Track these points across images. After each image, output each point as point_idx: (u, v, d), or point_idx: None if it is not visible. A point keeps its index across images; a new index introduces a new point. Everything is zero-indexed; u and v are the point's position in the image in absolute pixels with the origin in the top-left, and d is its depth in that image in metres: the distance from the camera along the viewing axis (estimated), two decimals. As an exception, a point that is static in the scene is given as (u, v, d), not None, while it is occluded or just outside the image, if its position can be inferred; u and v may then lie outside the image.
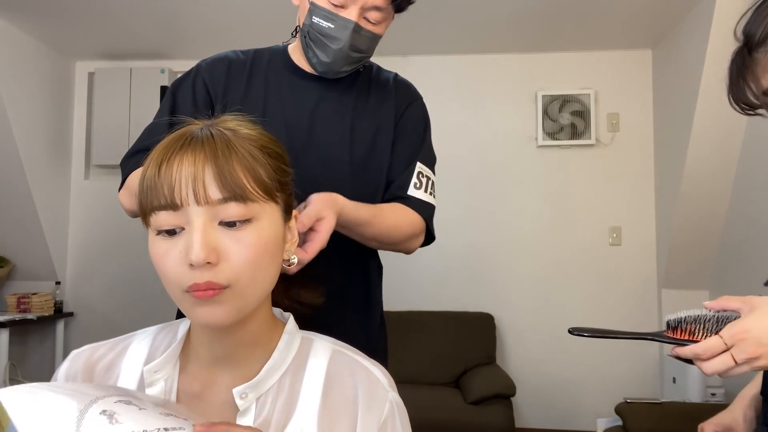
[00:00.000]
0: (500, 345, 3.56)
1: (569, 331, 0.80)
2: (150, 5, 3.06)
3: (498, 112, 3.70)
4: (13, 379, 3.24)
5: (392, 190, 1.12)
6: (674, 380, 3.08)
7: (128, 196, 1.03)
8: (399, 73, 1.23)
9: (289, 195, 0.69)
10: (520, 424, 3.42)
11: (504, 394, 2.93)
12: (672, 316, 0.78)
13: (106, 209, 3.83)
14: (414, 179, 1.12)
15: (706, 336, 0.76)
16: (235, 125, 0.65)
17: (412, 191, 1.12)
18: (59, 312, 3.68)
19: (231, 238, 0.60)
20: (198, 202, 0.58)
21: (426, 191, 1.14)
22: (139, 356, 0.70)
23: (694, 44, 2.97)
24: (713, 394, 2.83)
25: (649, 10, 3.07)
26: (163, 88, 3.67)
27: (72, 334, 3.77)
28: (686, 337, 0.77)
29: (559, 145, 3.64)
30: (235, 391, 0.64)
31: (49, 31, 3.41)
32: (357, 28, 1.05)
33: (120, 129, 3.69)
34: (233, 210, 0.59)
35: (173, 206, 0.58)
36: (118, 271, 3.81)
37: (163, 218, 0.59)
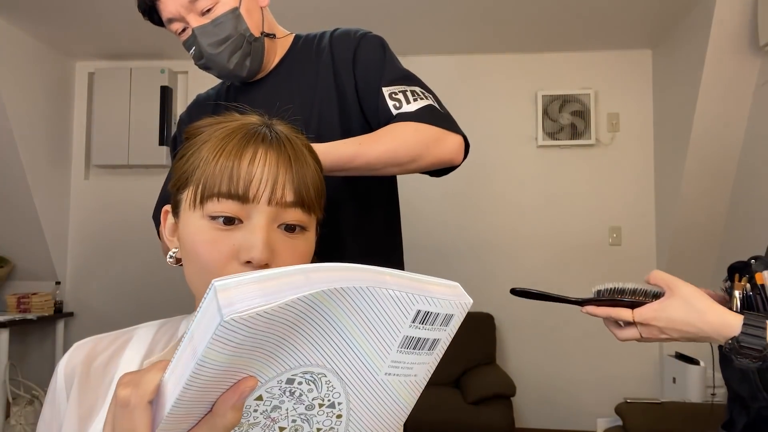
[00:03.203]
0: (500, 345, 3.56)
1: (511, 291, 0.95)
2: (150, 5, 3.06)
3: (498, 112, 3.70)
4: (13, 379, 3.24)
5: (381, 125, 1.06)
6: (674, 380, 3.08)
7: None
8: None
9: None
10: (520, 424, 3.42)
11: (504, 394, 2.93)
12: (599, 286, 0.89)
13: (106, 209, 3.83)
14: (389, 104, 1.05)
15: (631, 298, 0.87)
16: (290, 132, 0.66)
17: (395, 112, 1.04)
18: (59, 312, 3.68)
19: (285, 243, 0.61)
20: (270, 203, 0.59)
21: (410, 102, 1.06)
22: (140, 350, 0.70)
23: (694, 44, 2.97)
24: (713, 394, 2.82)
25: (649, 10, 3.07)
26: (163, 88, 3.67)
27: (72, 334, 3.76)
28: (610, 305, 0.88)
29: (559, 145, 3.64)
30: None
31: (49, 31, 3.41)
32: (197, 32, 1.05)
33: (120, 129, 3.68)
34: (298, 215, 0.61)
35: (243, 199, 0.59)
36: (118, 271, 3.81)
37: (225, 205, 0.59)
